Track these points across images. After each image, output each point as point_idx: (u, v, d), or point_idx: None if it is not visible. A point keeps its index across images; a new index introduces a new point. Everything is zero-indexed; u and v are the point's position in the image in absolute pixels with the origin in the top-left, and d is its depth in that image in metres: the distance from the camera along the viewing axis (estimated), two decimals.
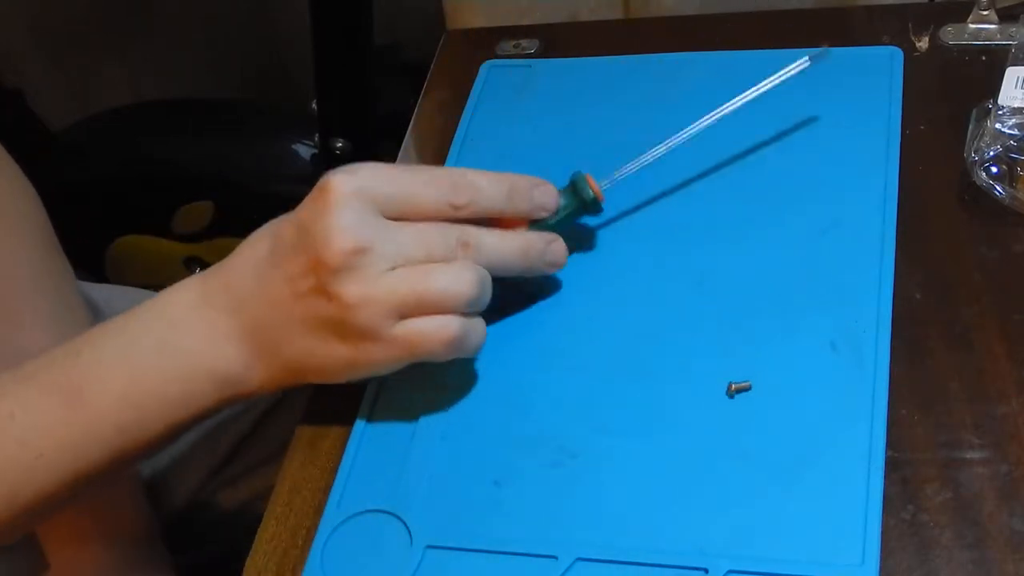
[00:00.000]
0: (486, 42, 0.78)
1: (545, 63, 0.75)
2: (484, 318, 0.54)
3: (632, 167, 0.61)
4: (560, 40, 0.77)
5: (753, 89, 0.61)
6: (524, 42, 0.77)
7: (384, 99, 1.17)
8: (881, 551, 0.47)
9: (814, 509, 0.49)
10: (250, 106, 1.36)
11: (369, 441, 0.56)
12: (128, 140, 1.28)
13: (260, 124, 1.30)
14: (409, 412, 0.57)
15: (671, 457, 0.53)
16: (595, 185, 0.59)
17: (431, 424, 0.56)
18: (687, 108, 0.69)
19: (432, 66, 0.78)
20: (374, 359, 0.52)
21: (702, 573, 0.48)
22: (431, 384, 0.58)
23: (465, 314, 0.52)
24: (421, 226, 0.52)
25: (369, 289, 0.49)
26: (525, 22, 0.83)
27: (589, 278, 0.61)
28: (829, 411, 0.52)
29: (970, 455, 0.50)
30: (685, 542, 0.50)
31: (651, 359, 0.57)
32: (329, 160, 1.18)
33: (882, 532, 0.48)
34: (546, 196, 0.56)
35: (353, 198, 0.50)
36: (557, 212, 0.58)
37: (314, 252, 0.50)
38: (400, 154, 0.73)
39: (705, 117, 0.61)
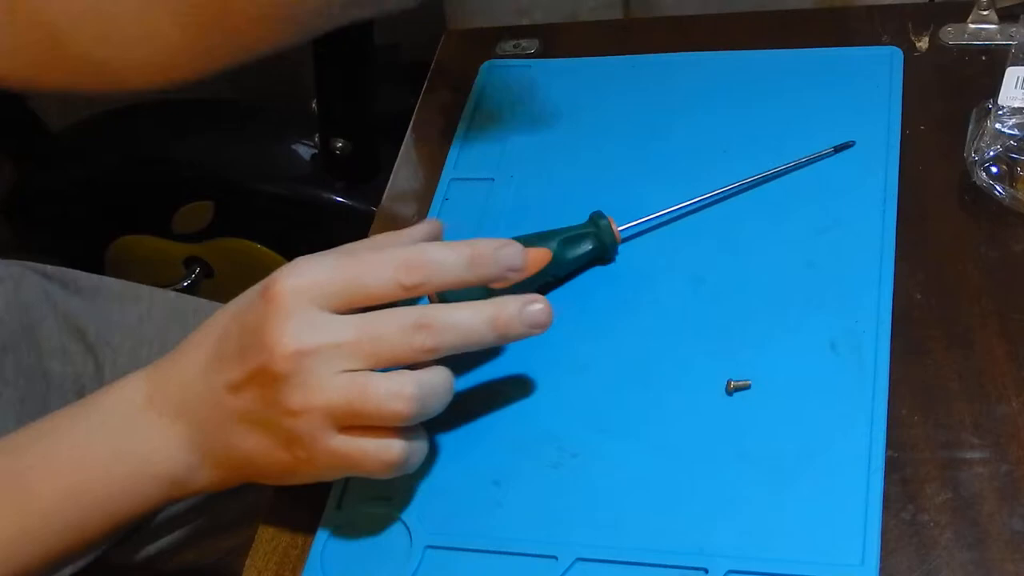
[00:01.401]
0: (486, 42, 0.78)
1: (545, 63, 0.75)
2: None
3: (652, 217, 0.61)
4: (560, 40, 0.77)
5: (782, 166, 0.63)
6: (524, 42, 0.77)
7: (384, 99, 1.17)
8: (881, 551, 0.47)
9: (814, 509, 0.49)
10: (250, 106, 1.36)
11: None
12: (128, 140, 1.28)
13: (260, 124, 1.29)
14: None
15: (671, 457, 0.53)
16: (615, 228, 0.60)
17: (431, 425, 0.56)
18: (687, 108, 0.69)
19: (432, 66, 0.78)
20: (314, 470, 0.50)
21: (702, 573, 0.48)
22: None
23: (410, 429, 0.50)
24: (372, 317, 0.49)
25: (310, 397, 0.48)
26: (525, 22, 0.83)
27: (589, 278, 0.61)
28: (829, 411, 0.52)
29: (970, 455, 0.50)
30: (685, 542, 0.50)
31: (651, 359, 0.57)
32: (329, 160, 1.18)
33: (882, 532, 0.48)
34: (512, 257, 0.51)
35: (296, 299, 0.48)
36: (578, 258, 0.59)
37: (257, 359, 0.48)
38: (400, 154, 0.73)
39: (729, 186, 0.62)
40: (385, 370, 0.49)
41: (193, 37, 0.52)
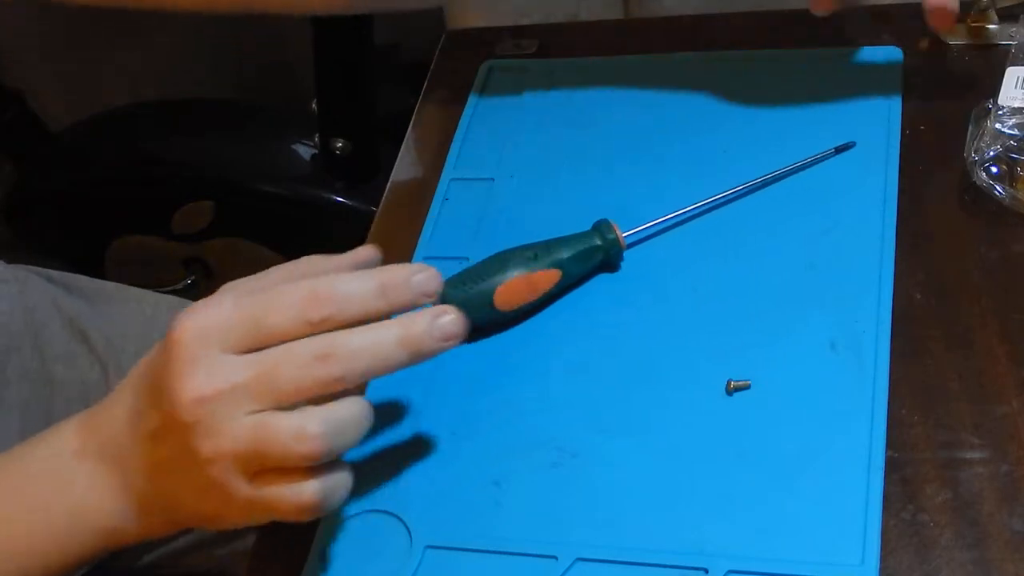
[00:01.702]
0: (486, 42, 0.78)
1: (545, 63, 0.75)
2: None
3: (656, 223, 0.61)
4: (560, 40, 0.77)
5: (783, 168, 0.62)
6: (524, 42, 0.77)
7: (384, 99, 1.17)
8: (881, 551, 0.47)
9: (814, 509, 0.49)
10: (250, 106, 1.36)
11: (368, 441, 0.56)
12: (128, 140, 1.28)
13: (260, 124, 1.30)
14: (408, 412, 0.57)
15: (671, 457, 0.53)
16: (621, 236, 0.60)
17: (431, 424, 0.56)
18: (687, 108, 0.69)
19: (432, 66, 0.78)
20: (236, 518, 0.49)
21: (702, 573, 0.48)
22: (429, 384, 0.58)
23: (326, 466, 0.48)
24: (270, 353, 0.47)
25: (219, 444, 0.46)
26: (525, 22, 0.82)
27: (590, 279, 0.61)
28: (829, 411, 0.52)
29: (970, 455, 0.50)
30: (685, 542, 0.50)
31: (651, 359, 0.57)
32: (329, 160, 1.18)
33: (882, 532, 0.48)
34: (428, 282, 0.49)
35: (197, 343, 0.46)
36: (585, 272, 0.59)
37: (167, 407, 0.47)
38: (400, 154, 0.73)
39: (730, 190, 0.62)
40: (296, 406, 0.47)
41: None
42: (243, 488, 0.47)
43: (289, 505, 0.47)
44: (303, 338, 0.47)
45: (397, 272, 0.49)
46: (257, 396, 0.46)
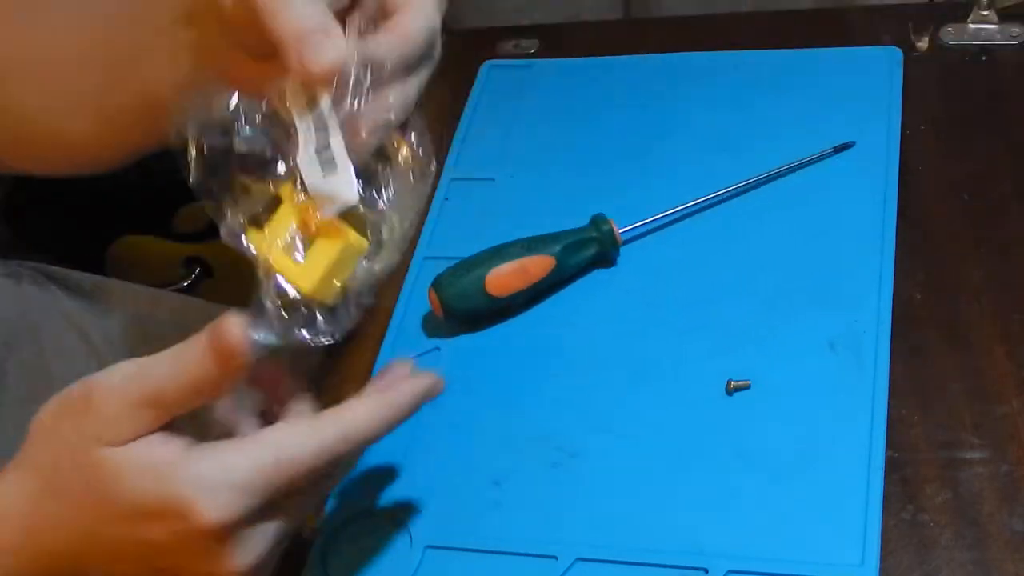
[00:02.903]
0: (486, 42, 0.78)
1: (545, 63, 0.75)
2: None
3: (653, 219, 0.61)
4: (560, 40, 0.77)
5: (783, 167, 0.63)
6: (524, 42, 0.77)
7: None
8: (881, 551, 0.47)
9: (814, 509, 0.49)
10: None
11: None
12: None
13: None
14: None
15: (671, 457, 0.53)
16: (617, 232, 0.60)
17: (431, 425, 0.56)
18: (687, 108, 0.69)
19: None
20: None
21: (702, 573, 0.48)
22: None
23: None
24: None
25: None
26: (525, 22, 0.83)
27: (589, 278, 0.61)
28: (829, 411, 0.52)
29: (970, 455, 0.50)
30: (685, 542, 0.49)
31: (650, 359, 0.57)
32: None
33: (882, 532, 0.48)
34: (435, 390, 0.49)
35: (229, 530, 0.44)
36: (580, 263, 0.59)
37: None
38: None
39: (729, 187, 0.62)
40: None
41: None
42: None
43: None
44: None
45: (405, 399, 0.47)
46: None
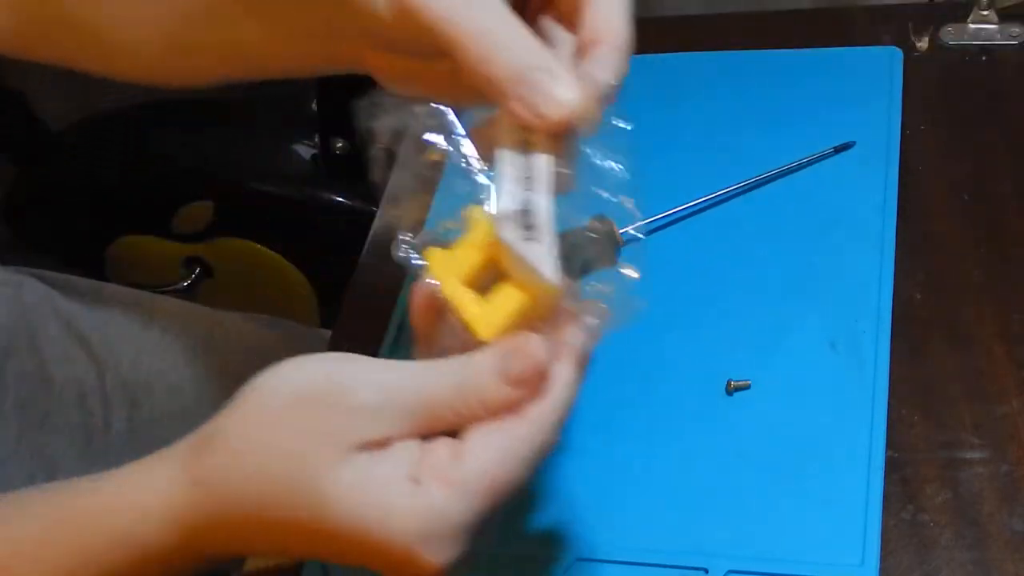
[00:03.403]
0: None
1: None
2: None
3: (654, 219, 0.62)
4: None
5: (783, 167, 0.63)
6: None
7: None
8: (881, 551, 0.47)
9: (814, 509, 0.49)
10: (250, 106, 1.36)
11: None
12: (128, 140, 1.28)
13: (260, 124, 1.30)
14: None
15: (671, 457, 0.53)
16: (617, 232, 0.60)
17: None
18: (687, 108, 0.69)
19: None
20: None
21: (702, 573, 0.48)
22: None
23: None
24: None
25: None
26: None
27: (588, 278, 0.61)
28: (829, 411, 0.52)
29: (970, 455, 0.50)
30: (685, 542, 0.49)
31: (651, 359, 0.57)
32: (329, 160, 1.18)
33: (882, 532, 0.48)
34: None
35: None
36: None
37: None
38: (400, 153, 0.73)
39: (730, 187, 0.62)
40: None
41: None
42: None
43: None
44: None
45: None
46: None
